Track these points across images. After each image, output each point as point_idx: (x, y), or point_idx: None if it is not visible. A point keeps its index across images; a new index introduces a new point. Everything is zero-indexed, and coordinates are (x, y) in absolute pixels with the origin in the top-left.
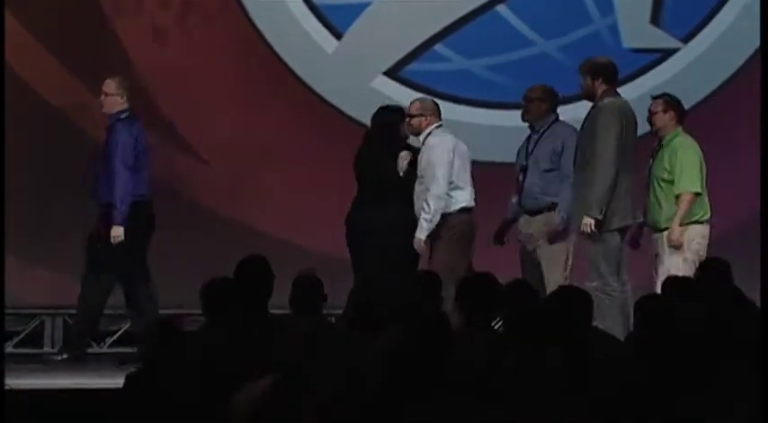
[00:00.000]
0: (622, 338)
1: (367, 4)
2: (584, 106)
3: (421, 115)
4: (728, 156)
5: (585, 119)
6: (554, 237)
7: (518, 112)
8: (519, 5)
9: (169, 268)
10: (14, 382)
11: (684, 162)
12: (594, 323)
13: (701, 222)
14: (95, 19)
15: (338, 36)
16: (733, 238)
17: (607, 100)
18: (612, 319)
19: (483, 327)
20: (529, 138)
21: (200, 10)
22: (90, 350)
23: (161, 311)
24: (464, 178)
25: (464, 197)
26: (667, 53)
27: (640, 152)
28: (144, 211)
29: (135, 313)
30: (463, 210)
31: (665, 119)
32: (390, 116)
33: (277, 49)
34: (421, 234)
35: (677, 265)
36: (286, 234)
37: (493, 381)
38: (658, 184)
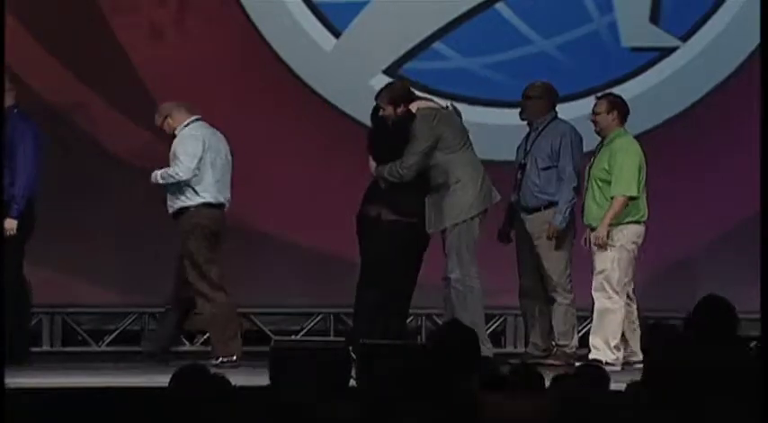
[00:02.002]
0: (483, 331)
1: (366, 2)
2: (585, 104)
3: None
4: (727, 155)
5: None
6: (555, 236)
7: (517, 111)
8: (518, 3)
9: (167, 269)
10: (12, 381)
11: (623, 164)
12: (456, 316)
13: (639, 223)
14: (92, 16)
15: (337, 34)
16: (733, 238)
17: (423, 111)
18: (473, 312)
19: None
20: (527, 135)
21: (198, 8)
22: (88, 349)
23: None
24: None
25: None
26: (666, 52)
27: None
28: (34, 209)
29: None
30: (207, 205)
31: (607, 119)
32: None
33: (275, 47)
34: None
35: (611, 264)
36: (285, 234)
37: None
38: (596, 183)
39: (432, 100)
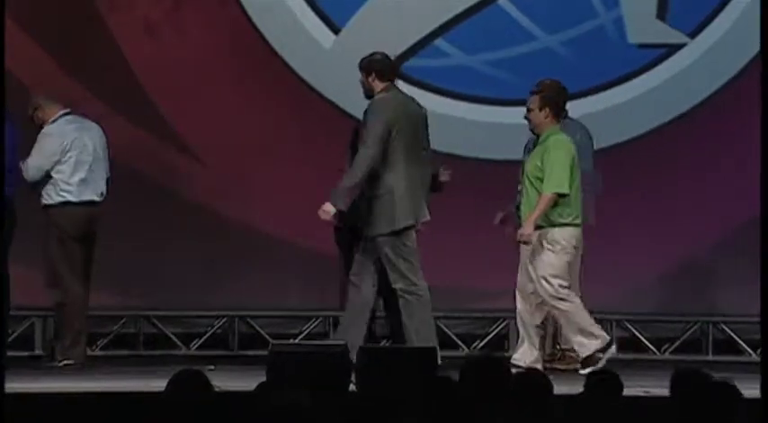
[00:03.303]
0: (432, 339)
1: None
2: (590, 103)
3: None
4: (734, 155)
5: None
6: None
7: (520, 110)
8: None
9: (166, 271)
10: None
11: (555, 162)
12: (402, 324)
13: (574, 225)
14: (87, 14)
15: (336, 31)
16: (737, 238)
17: (379, 96)
18: (419, 320)
19: None
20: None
21: (194, 3)
22: None
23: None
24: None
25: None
26: (674, 48)
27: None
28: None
29: None
30: (67, 203)
31: (540, 117)
32: None
33: (273, 43)
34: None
35: (551, 269)
36: (285, 234)
37: None
38: (530, 181)
39: (414, 101)
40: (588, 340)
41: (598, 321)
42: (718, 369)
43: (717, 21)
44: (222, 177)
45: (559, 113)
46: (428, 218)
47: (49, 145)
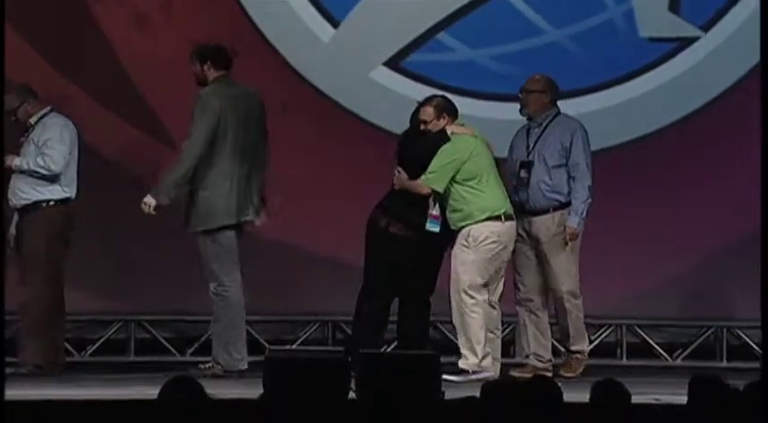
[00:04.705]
0: (238, 347)
1: None
2: (599, 99)
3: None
4: (746, 155)
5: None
6: (572, 239)
7: None
8: None
9: (159, 274)
10: None
11: (440, 156)
12: (214, 325)
13: (490, 219)
14: (72, 4)
15: (335, 24)
16: (755, 241)
17: (210, 87)
18: (229, 321)
19: None
20: (528, 131)
21: None
22: (71, 359)
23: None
24: None
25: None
26: (686, 42)
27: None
28: None
29: None
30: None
31: (439, 125)
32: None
33: (269, 37)
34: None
35: (461, 266)
36: (280, 236)
37: None
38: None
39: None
40: (471, 356)
41: (607, 326)
42: (732, 376)
43: (732, 12)
44: None
45: (455, 115)
46: (251, 218)
47: (68, 133)
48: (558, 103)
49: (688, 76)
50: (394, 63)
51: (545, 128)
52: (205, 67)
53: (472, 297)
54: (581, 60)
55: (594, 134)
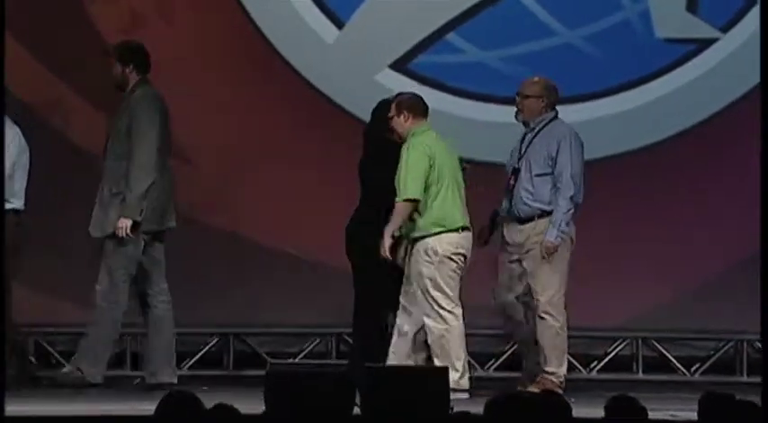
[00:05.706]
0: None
1: None
2: (615, 102)
3: None
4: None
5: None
6: (550, 253)
7: None
8: None
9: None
10: None
11: (408, 164)
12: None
13: (451, 231)
14: (66, 3)
15: (340, 25)
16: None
17: (140, 90)
18: (101, 331)
19: None
20: (523, 137)
21: None
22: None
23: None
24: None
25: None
26: (704, 44)
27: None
28: None
29: None
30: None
31: (400, 123)
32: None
33: (271, 38)
34: None
35: (430, 282)
36: (283, 241)
37: None
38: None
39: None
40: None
41: (622, 340)
42: (753, 391)
43: (752, 13)
44: (215, 182)
45: (423, 113)
46: (173, 225)
47: (20, 139)
48: (571, 106)
49: (705, 79)
50: (401, 65)
51: (536, 134)
52: (127, 70)
53: (451, 312)
54: (595, 62)
55: (608, 139)
